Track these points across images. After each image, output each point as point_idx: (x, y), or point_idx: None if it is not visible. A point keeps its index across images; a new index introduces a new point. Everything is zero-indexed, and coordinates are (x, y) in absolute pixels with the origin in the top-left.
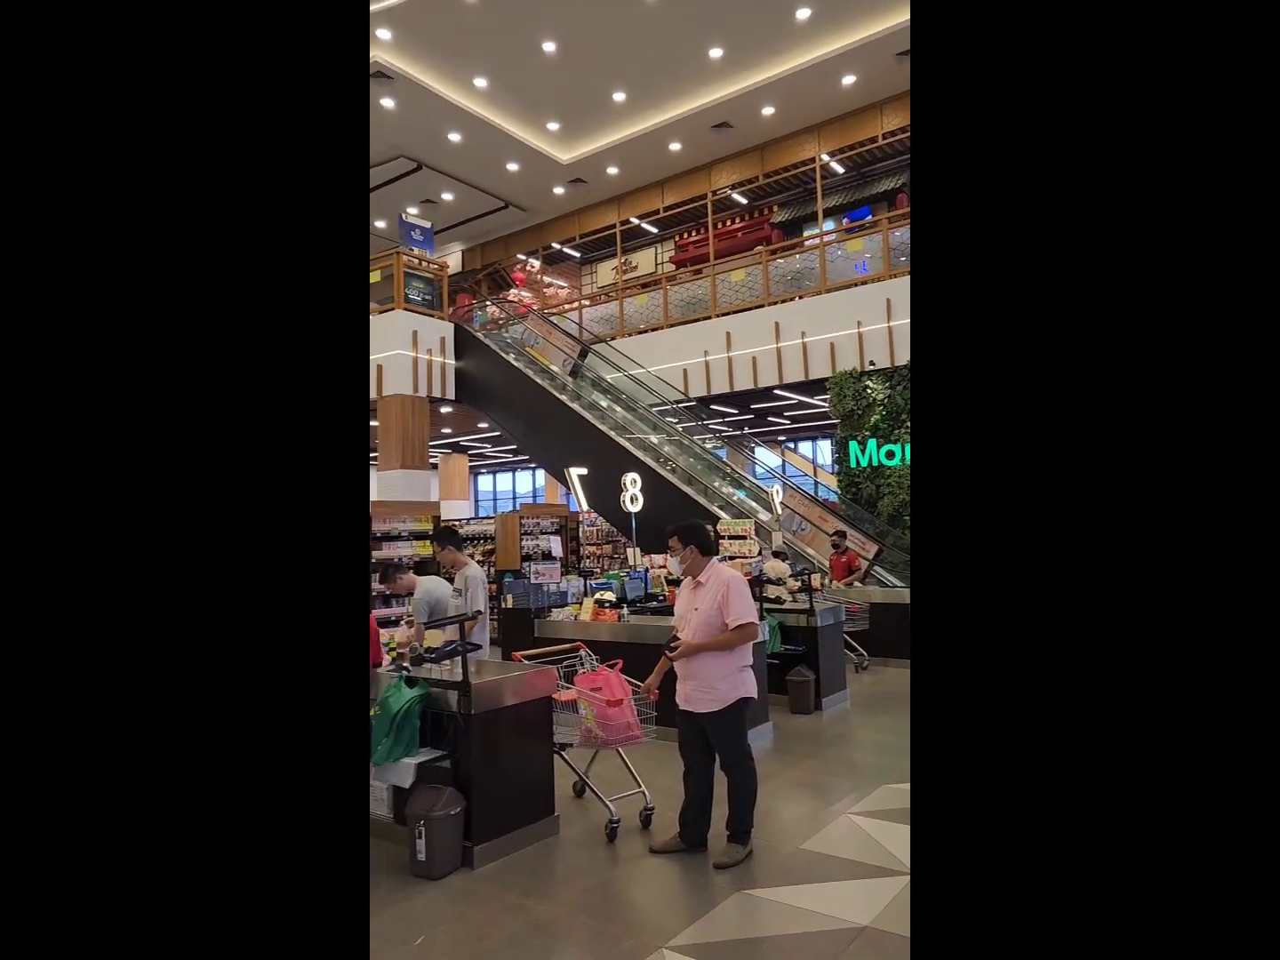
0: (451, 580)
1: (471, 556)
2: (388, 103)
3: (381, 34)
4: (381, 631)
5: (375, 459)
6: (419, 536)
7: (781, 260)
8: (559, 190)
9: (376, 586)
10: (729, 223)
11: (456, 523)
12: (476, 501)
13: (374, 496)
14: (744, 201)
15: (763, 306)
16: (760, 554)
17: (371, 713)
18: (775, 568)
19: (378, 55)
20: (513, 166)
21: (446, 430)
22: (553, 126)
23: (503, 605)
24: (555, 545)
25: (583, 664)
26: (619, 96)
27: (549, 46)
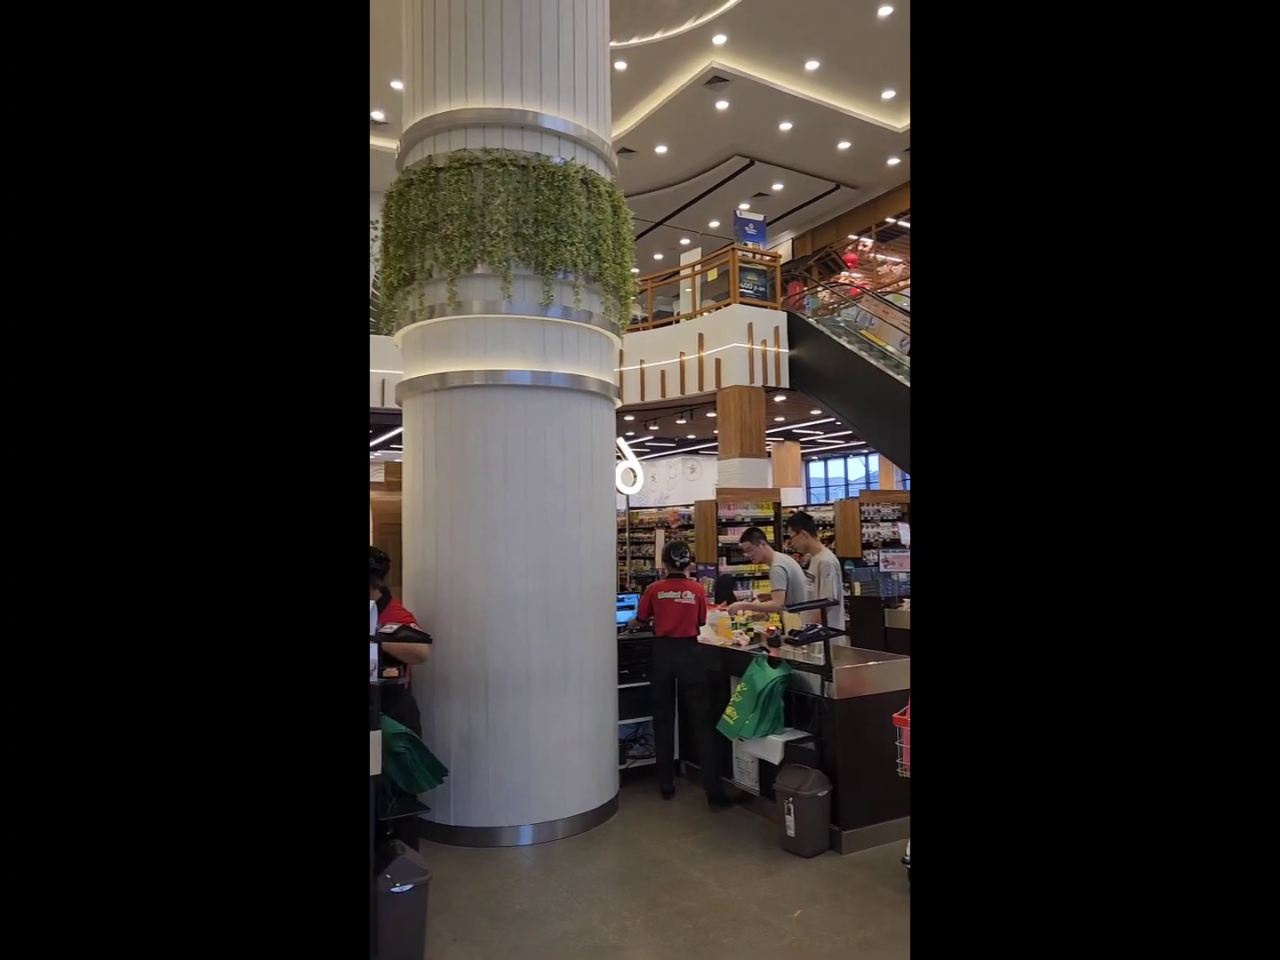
0: (805, 567)
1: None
2: (721, 105)
3: (717, 40)
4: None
5: (716, 448)
6: (761, 522)
7: None
8: (893, 161)
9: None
10: None
11: (798, 508)
12: (808, 488)
13: (716, 483)
14: None
15: None
16: None
17: (738, 688)
18: None
19: (713, 61)
20: (844, 145)
21: (780, 419)
22: (888, 95)
23: (849, 593)
24: (904, 532)
25: None
26: None
27: (884, 10)
